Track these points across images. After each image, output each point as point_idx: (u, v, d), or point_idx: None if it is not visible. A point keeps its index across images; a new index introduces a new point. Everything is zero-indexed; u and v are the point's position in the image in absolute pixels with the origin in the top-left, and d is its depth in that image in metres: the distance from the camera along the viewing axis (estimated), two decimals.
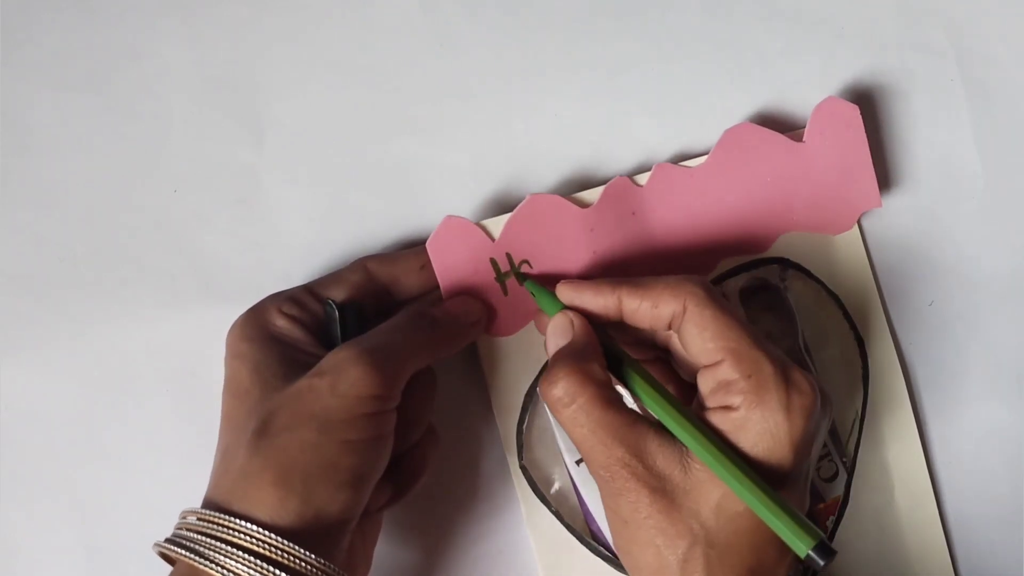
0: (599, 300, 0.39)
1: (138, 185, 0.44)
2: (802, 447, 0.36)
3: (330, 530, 0.36)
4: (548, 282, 0.42)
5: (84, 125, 0.43)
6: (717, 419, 0.37)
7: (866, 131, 0.45)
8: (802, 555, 0.35)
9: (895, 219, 0.47)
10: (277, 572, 0.34)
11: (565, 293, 0.40)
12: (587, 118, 0.46)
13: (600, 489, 0.38)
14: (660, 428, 0.37)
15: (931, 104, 0.47)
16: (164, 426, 0.44)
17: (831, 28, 0.47)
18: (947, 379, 0.48)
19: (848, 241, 0.46)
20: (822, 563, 0.35)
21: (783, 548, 0.36)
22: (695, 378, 0.38)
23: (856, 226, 0.46)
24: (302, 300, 0.40)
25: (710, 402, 0.37)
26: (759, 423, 0.36)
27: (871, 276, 0.46)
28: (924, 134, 0.47)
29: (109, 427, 0.44)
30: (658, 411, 0.37)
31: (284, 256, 0.44)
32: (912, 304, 0.48)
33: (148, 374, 0.44)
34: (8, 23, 0.43)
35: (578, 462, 0.45)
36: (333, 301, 0.40)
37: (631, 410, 0.37)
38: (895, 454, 0.47)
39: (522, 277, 0.43)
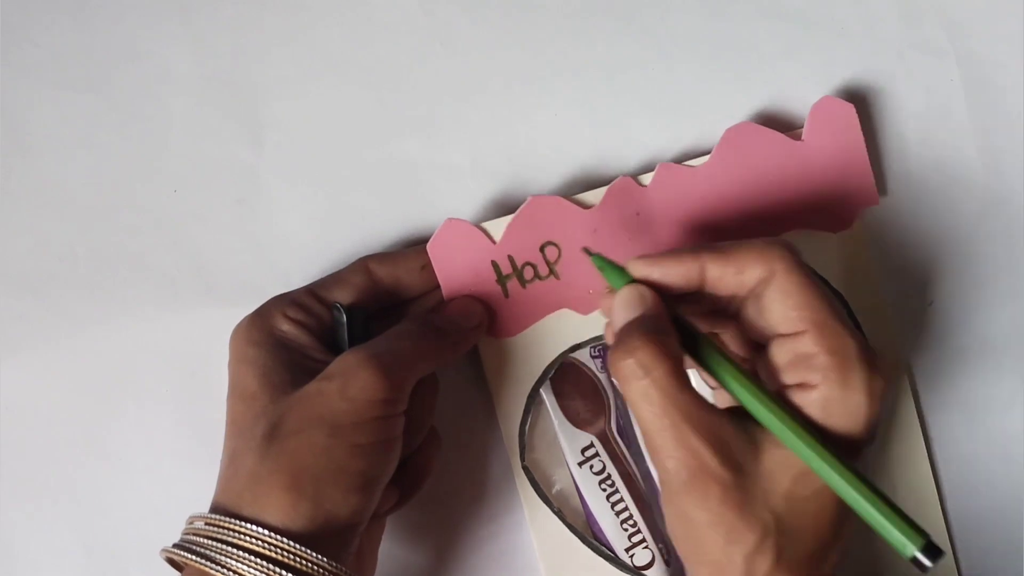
0: (680, 269, 0.36)
1: (138, 185, 0.44)
2: (875, 430, 0.35)
3: (340, 533, 0.36)
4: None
5: (84, 125, 0.43)
6: (796, 396, 0.35)
7: (866, 131, 0.45)
8: (907, 556, 0.32)
9: (895, 219, 0.47)
10: None
11: (639, 267, 0.37)
12: (587, 118, 0.46)
13: (662, 481, 0.35)
14: (731, 415, 0.35)
15: (931, 104, 0.47)
16: (164, 426, 0.44)
17: (831, 28, 0.47)
18: (948, 379, 0.48)
19: (849, 240, 0.46)
20: (929, 564, 0.32)
21: (839, 530, 0.35)
22: (764, 349, 0.36)
23: (857, 225, 0.46)
24: (307, 304, 0.40)
25: (786, 376, 0.35)
26: (840, 403, 0.34)
27: (872, 275, 0.46)
28: (924, 134, 0.47)
29: (109, 427, 0.44)
30: (739, 391, 0.35)
31: (284, 256, 0.44)
32: (912, 304, 0.48)
33: (148, 374, 0.44)
34: (8, 23, 0.43)
35: (580, 464, 0.45)
36: (340, 305, 0.40)
37: (700, 395, 0.35)
38: (897, 454, 0.47)
39: (589, 251, 0.39)
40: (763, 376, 0.37)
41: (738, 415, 0.35)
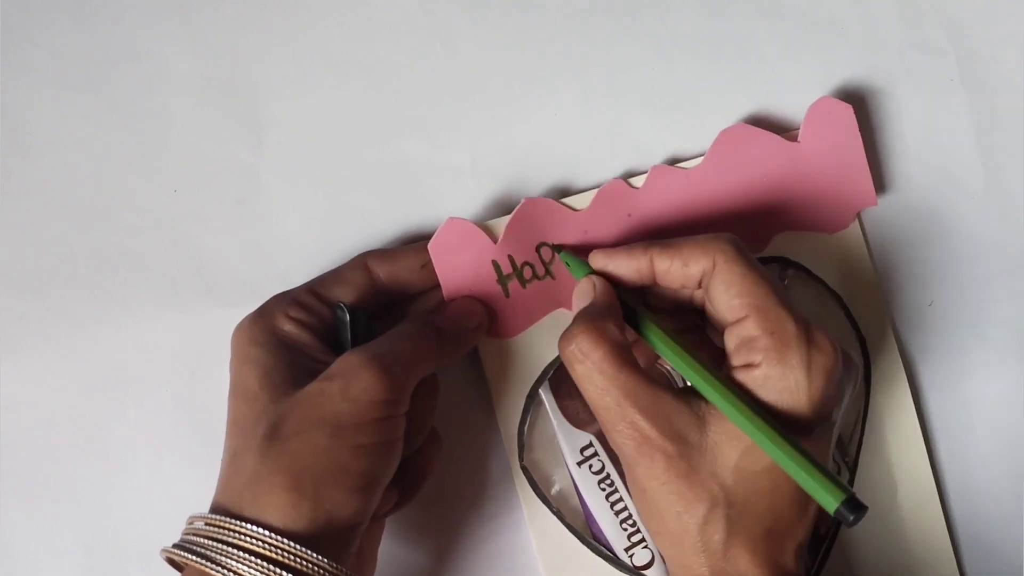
0: (631, 263, 0.40)
1: (138, 185, 0.44)
2: (822, 406, 0.36)
3: (341, 534, 0.36)
4: (583, 253, 0.42)
5: (84, 125, 0.43)
6: (740, 376, 0.37)
7: (866, 131, 0.45)
8: (831, 510, 0.34)
9: (895, 219, 0.47)
10: None
11: (598, 259, 0.41)
12: (587, 118, 0.46)
13: (619, 458, 0.38)
14: (676, 392, 0.37)
15: (931, 104, 0.47)
16: (164, 426, 0.44)
17: (831, 28, 0.47)
18: (948, 379, 0.48)
19: (849, 240, 0.46)
20: (852, 518, 0.34)
21: (802, 508, 0.37)
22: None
23: (856, 225, 0.46)
24: (308, 304, 0.40)
25: (734, 359, 0.37)
26: (779, 380, 0.36)
27: (872, 275, 0.46)
28: (924, 134, 0.47)
29: (109, 427, 0.44)
30: (679, 363, 0.37)
31: (284, 256, 0.44)
32: (912, 304, 0.48)
33: (148, 374, 0.44)
34: (8, 23, 0.43)
35: (579, 463, 0.45)
36: (344, 305, 0.40)
37: (647, 373, 0.37)
38: (898, 453, 0.47)
39: (557, 248, 0.43)
40: (725, 363, 0.38)
41: (686, 393, 0.37)
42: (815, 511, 0.37)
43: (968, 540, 0.48)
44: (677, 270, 0.39)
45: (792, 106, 0.46)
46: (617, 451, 0.38)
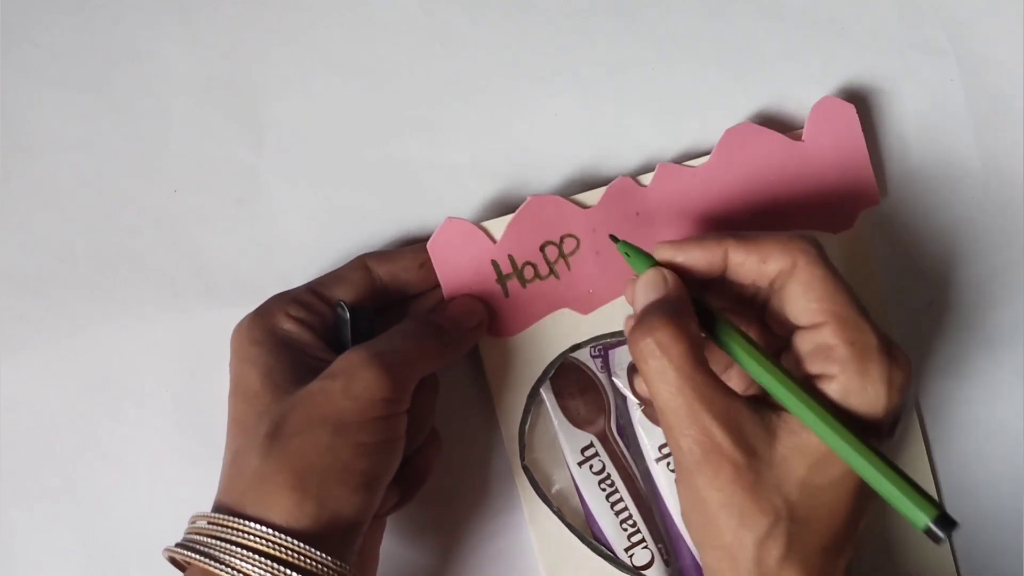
0: (704, 254, 0.37)
1: (138, 185, 0.44)
2: (894, 424, 0.35)
3: (344, 532, 0.36)
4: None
5: (84, 125, 0.43)
6: (816, 386, 0.35)
7: (866, 131, 0.45)
8: (921, 527, 0.33)
9: (895, 219, 0.47)
10: (293, 575, 0.34)
11: (665, 251, 0.38)
12: (587, 118, 0.46)
13: (676, 463, 0.36)
14: (748, 400, 0.35)
15: (931, 104, 0.47)
16: (164, 426, 0.44)
17: (831, 28, 0.47)
18: (948, 379, 0.48)
19: (850, 240, 0.46)
20: (943, 536, 0.32)
21: (855, 526, 0.35)
22: (788, 342, 0.37)
23: (858, 225, 0.46)
24: (308, 302, 0.40)
25: (808, 367, 0.36)
26: (859, 394, 0.34)
27: (873, 275, 0.46)
28: (924, 134, 0.47)
29: (109, 427, 0.44)
30: (759, 371, 0.35)
31: (284, 256, 0.44)
32: (912, 304, 0.48)
33: (148, 374, 0.44)
34: (8, 23, 0.43)
35: (580, 463, 0.45)
36: (344, 304, 0.40)
37: (718, 377, 0.35)
38: (897, 454, 0.47)
39: (615, 239, 0.40)
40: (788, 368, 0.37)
41: (755, 402, 0.36)
42: (864, 526, 0.36)
43: (966, 541, 0.48)
44: (753, 265, 0.37)
45: (793, 106, 0.46)
46: (679, 457, 0.35)
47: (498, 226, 0.43)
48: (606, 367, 0.45)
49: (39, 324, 0.43)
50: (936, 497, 0.33)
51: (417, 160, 0.45)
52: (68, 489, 0.44)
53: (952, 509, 0.48)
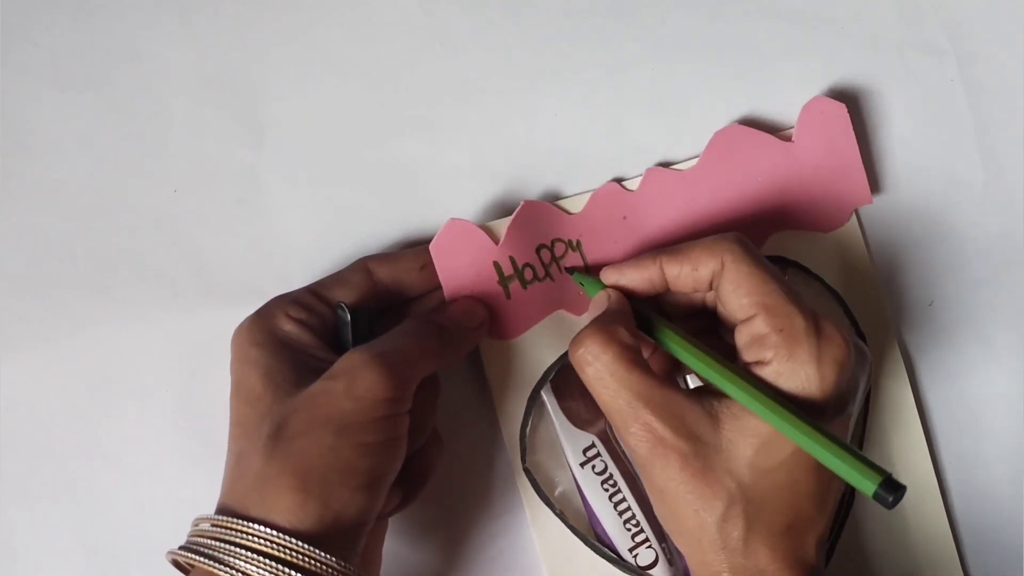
0: (642, 273, 0.40)
1: (138, 185, 0.44)
2: (836, 398, 0.36)
3: (348, 533, 0.36)
4: (595, 271, 0.43)
5: (84, 125, 0.43)
6: (753, 372, 0.37)
7: (866, 131, 0.45)
8: (869, 493, 0.34)
9: (895, 219, 0.47)
10: None
11: (609, 275, 0.41)
12: (587, 118, 0.46)
13: (633, 460, 0.38)
14: (687, 391, 0.37)
15: (931, 104, 0.47)
16: (164, 426, 0.44)
17: (831, 28, 0.47)
18: (948, 379, 0.48)
19: (846, 239, 0.46)
20: (891, 499, 0.33)
21: (821, 502, 0.37)
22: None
23: (854, 224, 0.46)
24: (308, 303, 0.40)
25: (745, 356, 0.37)
26: (791, 375, 0.36)
27: (871, 274, 0.46)
28: (924, 134, 0.47)
29: (109, 427, 0.44)
30: (695, 362, 0.37)
31: (284, 256, 0.44)
32: (912, 304, 0.48)
33: (148, 374, 0.44)
34: (8, 23, 0.43)
35: (582, 464, 0.45)
36: (344, 305, 0.40)
37: (656, 374, 0.37)
38: (899, 452, 0.47)
39: (570, 271, 0.43)
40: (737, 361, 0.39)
41: (697, 392, 0.37)
42: (834, 504, 0.38)
43: (970, 538, 0.48)
44: (687, 275, 0.39)
45: (793, 106, 0.46)
46: (631, 453, 0.38)
47: (500, 227, 0.43)
48: None
49: (39, 324, 0.43)
50: (890, 479, 0.34)
51: (417, 160, 0.45)
52: (68, 489, 0.44)
53: (954, 507, 0.48)
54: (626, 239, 0.44)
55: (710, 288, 0.39)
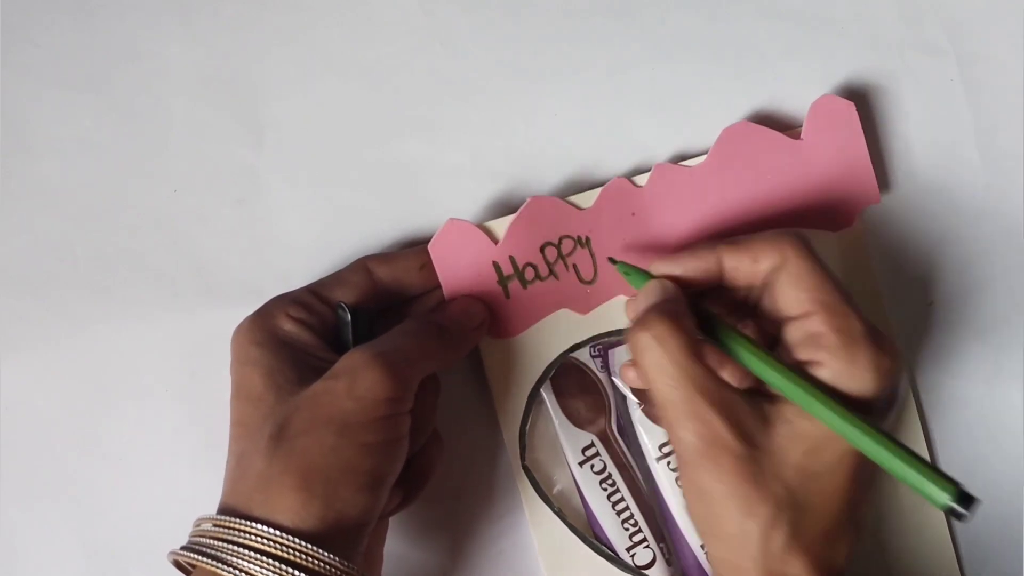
0: (698, 263, 0.39)
1: (138, 185, 0.44)
2: (881, 408, 0.36)
3: (350, 533, 0.36)
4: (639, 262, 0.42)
5: (84, 125, 0.43)
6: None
7: (866, 131, 0.45)
8: (941, 506, 0.33)
9: (895, 219, 0.47)
10: None
11: (661, 267, 0.39)
12: (587, 118, 0.46)
13: (677, 456, 0.36)
14: (744, 392, 0.36)
15: (931, 104, 0.47)
16: (164, 426, 0.44)
17: (831, 28, 0.47)
18: (948, 379, 0.48)
19: (849, 239, 0.45)
20: (966, 513, 0.32)
21: (855, 510, 0.36)
22: (778, 335, 0.38)
23: (857, 224, 0.46)
24: (308, 303, 0.40)
25: (798, 354, 0.37)
26: (849, 379, 0.35)
27: (873, 274, 0.46)
28: (924, 134, 0.47)
29: (109, 427, 0.44)
30: (760, 365, 0.36)
31: (284, 256, 0.44)
32: (912, 304, 0.48)
33: (148, 374, 0.44)
34: (8, 23, 0.43)
35: (581, 463, 0.45)
36: (345, 305, 0.40)
37: (717, 372, 0.36)
38: None
39: (613, 261, 0.42)
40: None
41: (750, 394, 0.37)
42: (865, 513, 0.37)
43: (969, 540, 0.48)
44: (747, 267, 0.38)
45: (793, 106, 0.46)
46: (679, 450, 0.36)
47: (499, 227, 0.43)
48: (606, 367, 0.45)
49: (39, 324, 0.43)
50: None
51: (417, 160, 0.45)
52: (68, 489, 0.44)
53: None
54: (635, 235, 0.44)
55: (760, 283, 0.38)
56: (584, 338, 0.44)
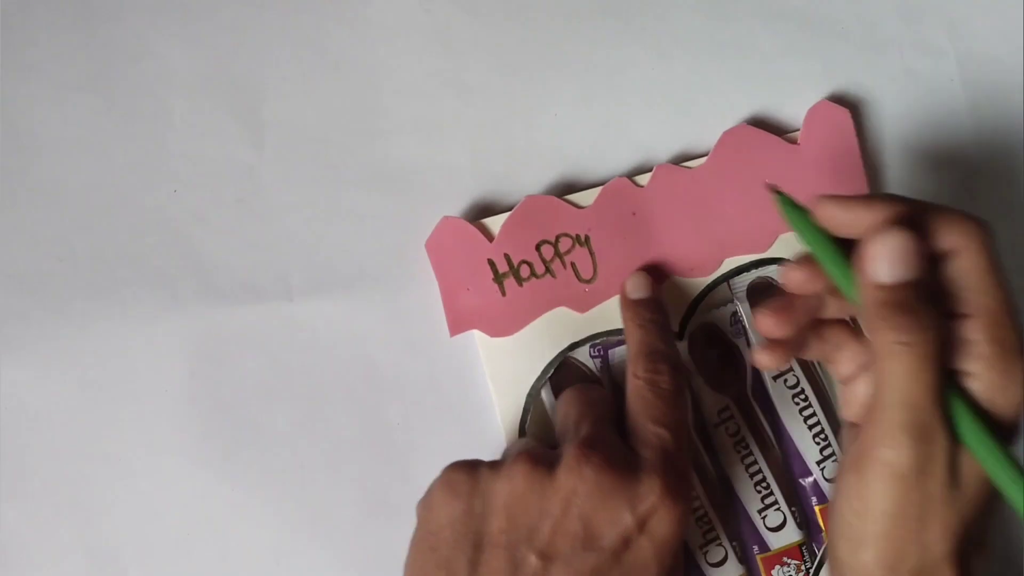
0: (871, 215, 0.34)
1: (138, 185, 0.44)
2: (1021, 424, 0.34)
3: None
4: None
5: (84, 125, 0.43)
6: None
7: (866, 131, 0.45)
8: None
9: None
10: None
11: (827, 207, 0.35)
12: (587, 118, 0.46)
13: (880, 467, 0.34)
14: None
15: (931, 104, 0.47)
16: (163, 426, 0.44)
17: (831, 28, 0.47)
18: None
19: None
20: None
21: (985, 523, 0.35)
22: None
23: None
24: None
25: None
26: (1002, 392, 0.33)
27: None
28: (924, 134, 0.47)
29: (109, 427, 0.44)
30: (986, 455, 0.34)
31: (284, 256, 0.44)
32: None
33: (148, 374, 0.44)
34: (8, 23, 0.43)
35: None
36: None
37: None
38: None
39: (771, 188, 0.37)
40: None
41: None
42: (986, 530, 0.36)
43: None
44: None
45: (792, 106, 0.46)
46: (885, 457, 0.34)
47: (495, 224, 0.43)
48: (606, 367, 0.45)
49: (39, 324, 0.43)
50: None
51: (417, 160, 0.45)
52: (68, 489, 0.44)
53: None
54: (635, 235, 0.44)
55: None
56: (582, 337, 0.44)
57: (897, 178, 0.47)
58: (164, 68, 0.44)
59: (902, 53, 0.47)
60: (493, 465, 0.37)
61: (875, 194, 0.36)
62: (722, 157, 0.44)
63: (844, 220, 0.35)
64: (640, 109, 0.46)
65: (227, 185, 0.44)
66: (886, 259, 0.33)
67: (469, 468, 0.37)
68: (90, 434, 0.44)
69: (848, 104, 0.45)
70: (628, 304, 0.43)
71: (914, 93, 0.47)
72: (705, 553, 0.45)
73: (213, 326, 0.43)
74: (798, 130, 0.45)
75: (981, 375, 0.33)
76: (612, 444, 0.36)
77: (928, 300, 0.33)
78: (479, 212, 0.45)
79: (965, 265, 0.34)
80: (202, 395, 0.43)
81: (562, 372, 0.45)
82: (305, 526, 0.44)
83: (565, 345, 0.44)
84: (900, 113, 0.47)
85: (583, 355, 0.45)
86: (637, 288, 0.43)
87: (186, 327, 0.44)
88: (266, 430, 0.43)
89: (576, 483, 0.35)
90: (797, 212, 0.36)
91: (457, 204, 0.45)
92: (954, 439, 0.33)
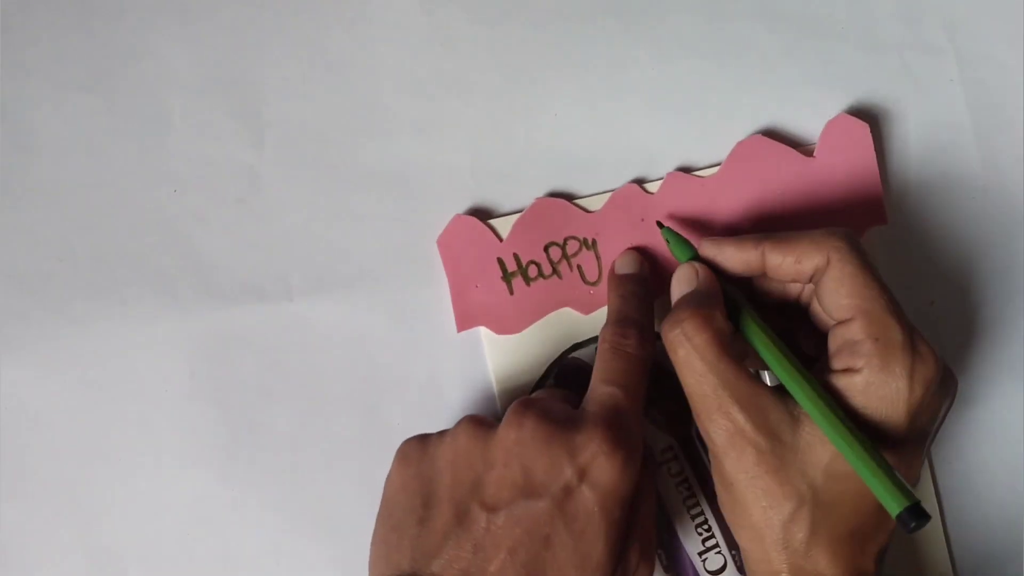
0: (741, 255, 0.39)
1: (138, 185, 0.44)
2: (919, 416, 0.36)
3: None
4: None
5: (84, 125, 0.43)
6: (841, 380, 0.36)
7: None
8: (893, 514, 0.34)
9: (894, 219, 0.47)
10: None
11: (708, 248, 0.40)
12: (588, 118, 0.46)
13: (708, 448, 0.37)
14: (772, 389, 0.37)
15: (931, 104, 0.47)
16: (163, 426, 0.44)
17: (831, 28, 0.47)
18: None
19: None
20: (912, 525, 0.34)
21: (884, 516, 0.36)
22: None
23: (864, 238, 0.46)
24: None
25: (835, 363, 0.37)
26: (880, 387, 0.35)
27: None
28: (923, 134, 0.47)
29: (109, 427, 0.44)
30: (774, 362, 0.37)
31: (284, 256, 0.44)
32: (912, 304, 0.48)
33: (148, 374, 0.44)
34: (8, 23, 0.43)
35: None
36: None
37: (744, 366, 0.37)
38: None
39: (661, 225, 0.43)
40: (823, 363, 0.38)
41: (781, 392, 0.37)
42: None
43: (964, 541, 0.48)
44: (789, 266, 0.38)
45: (791, 107, 0.46)
46: (708, 441, 0.37)
47: (504, 225, 0.43)
48: None
49: (39, 324, 0.43)
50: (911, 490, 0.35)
51: (417, 160, 0.45)
52: (68, 489, 0.44)
53: (951, 509, 0.48)
54: (644, 240, 0.44)
55: (809, 281, 0.38)
56: (586, 338, 0.44)
57: (896, 178, 0.47)
58: (164, 68, 0.44)
59: (902, 53, 0.47)
60: (442, 433, 0.38)
61: (746, 236, 0.39)
62: (735, 167, 0.44)
63: (720, 257, 0.40)
64: (640, 109, 0.46)
65: (227, 185, 0.44)
66: (674, 286, 0.40)
67: (419, 439, 0.38)
68: (90, 434, 0.44)
69: (846, 104, 0.45)
70: (614, 278, 0.43)
71: (914, 93, 0.47)
72: (704, 560, 0.45)
73: (213, 326, 0.43)
74: (810, 143, 0.44)
75: (863, 371, 0.36)
76: (553, 400, 0.38)
77: (710, 307, 0.37)
78: (479, 212, 0.45)
79: (835, 275, 0.37)
80: (202, 395, 0.43)
81: (565, 372, 0.45)
82: (305, 526, 0.44)
83: (568, 345, 0.44)
84: (899, 113, 0.47)
85: (587, 356, 0.45)
86: (625, 264, 0.43)
87: (186, 327, 0.44)
88: (266, 430, 0.43)
89: (516, 433, 0.36)
90: (681, 246, 0.41)
91: (457, 204, 0.45)
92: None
